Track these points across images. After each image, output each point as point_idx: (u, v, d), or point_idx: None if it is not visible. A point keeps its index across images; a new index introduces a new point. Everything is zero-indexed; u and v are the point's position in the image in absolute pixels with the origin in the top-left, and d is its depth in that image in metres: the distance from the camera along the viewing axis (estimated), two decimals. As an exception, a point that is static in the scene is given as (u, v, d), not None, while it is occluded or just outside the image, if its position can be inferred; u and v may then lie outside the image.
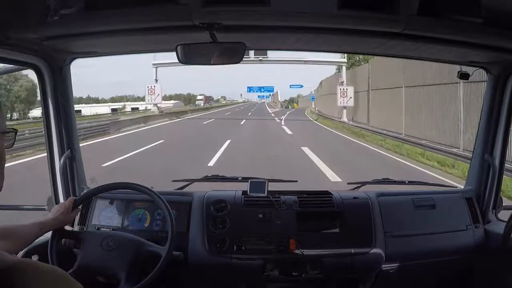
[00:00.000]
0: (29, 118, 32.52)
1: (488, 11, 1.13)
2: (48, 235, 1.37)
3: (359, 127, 17.04)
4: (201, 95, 75.53)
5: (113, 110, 51.00)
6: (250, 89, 53.02)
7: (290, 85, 45.15)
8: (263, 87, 53.32)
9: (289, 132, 17.62)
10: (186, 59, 1.30)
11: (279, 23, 1.25)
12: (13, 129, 0.73)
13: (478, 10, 1.13)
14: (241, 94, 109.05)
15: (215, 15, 1.16)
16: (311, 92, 44.86)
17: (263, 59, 23.69)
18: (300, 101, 68.39)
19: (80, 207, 1.63)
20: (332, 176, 7.36)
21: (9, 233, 1.16)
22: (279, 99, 64.61)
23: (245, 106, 58.32)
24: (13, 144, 0.74)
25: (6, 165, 0.70)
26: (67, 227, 1.52)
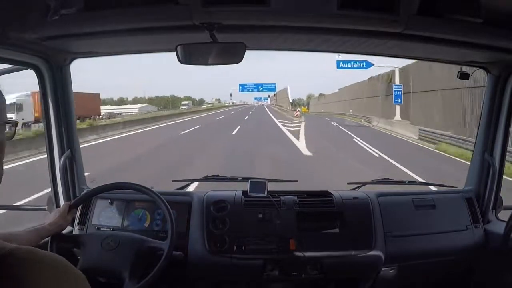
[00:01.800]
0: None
1: (488, 11, 1.13)
2: (48, 237, 1.37)
3: None
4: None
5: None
6: (243, 87, 35.92)
7: (339, 63, 20.99)
8: (261, 84, 37.26)
9: None
10: (186, 59, 1.30)
11: (279, 23, 1.25)
12: (14, 121, 0.73)
13: (478, 10, 1.13)
14: (230, 94, 78.80)
15: (215, 15, 1.16)
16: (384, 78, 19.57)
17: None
18: (313, 104, 50.05)
19: (79, 208, 1.64)
20: None
21: (7, 240, 1.15)
22: (290, 99, 43.61)
23: (225, 116, 32.52)
24: (13, 137, 0.74)
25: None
26: (67, 228, 1.52)
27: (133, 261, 1.35)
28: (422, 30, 1.25)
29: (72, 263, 0.57)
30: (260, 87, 36.93)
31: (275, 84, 42.58)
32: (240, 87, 36.80)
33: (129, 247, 1.38)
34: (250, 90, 37.30)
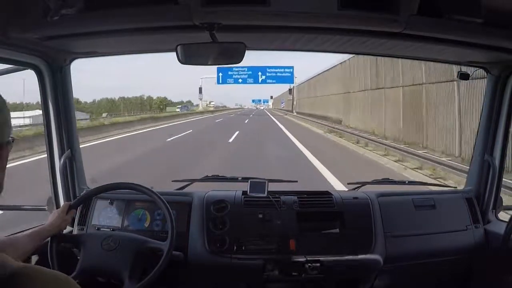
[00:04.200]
0: None
1: (488, 11, 1.13)
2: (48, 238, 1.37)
3: None
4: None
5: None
6: (225, 74, 18.93)
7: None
8: (262, 69, 18.55)
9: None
10: (186, 59, 1.30)
11: (279, 23, 1.25)
12: (12, 137, 0.74)
13: (478, 10, 1.13)
14: (200, 90, 38.78)
15: (215, 15, 1.16)
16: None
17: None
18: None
19: (79, 208, 1.64)
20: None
21: (6, 245, 1.15)
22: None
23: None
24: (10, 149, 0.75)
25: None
26: (67, 229, 1.52)
27: (133, 262, 1.35)
28: (422, 30, 1.25)
29: (72, 263, 0.58)
30: (260, 73, 17.84)
31: (291, 68, 19.11)
32: (220, 76, 18.44)
33: (129, 247, 1.38)
34: (240, 81, 18.27)
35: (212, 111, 48.89)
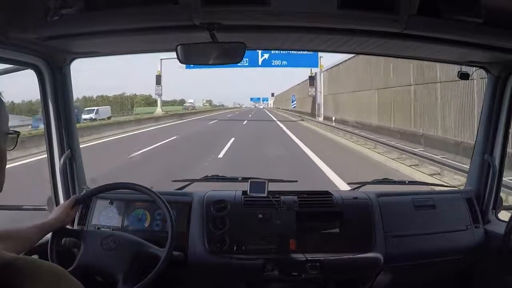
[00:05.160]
0: None
1: (488, 11, 1.13)
2: (48, 235, 1.37)
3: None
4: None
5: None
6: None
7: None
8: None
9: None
10: (186, 59, 1.30)
11: (279, 23, 1.25)
12: (16, 131, 0.74)
13: (478, 10, 1.13)
14: (158, 79, 23.23)
15: (215, 15, 1.16)
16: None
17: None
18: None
19: (80, 206, 1.64)
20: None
21: (10, 236, 1.16)
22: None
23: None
24: (15, 146, 0.75)
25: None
26: (68, 227, 1.52)
27: (129, 265, 1.35)
28: (422, 30, 1.25)
29: (70, 263, 0.58)
30: (260, 51, 11.70)
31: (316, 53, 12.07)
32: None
33: (127, 249, 1.38)
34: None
35: (180, 115, 30.00)
